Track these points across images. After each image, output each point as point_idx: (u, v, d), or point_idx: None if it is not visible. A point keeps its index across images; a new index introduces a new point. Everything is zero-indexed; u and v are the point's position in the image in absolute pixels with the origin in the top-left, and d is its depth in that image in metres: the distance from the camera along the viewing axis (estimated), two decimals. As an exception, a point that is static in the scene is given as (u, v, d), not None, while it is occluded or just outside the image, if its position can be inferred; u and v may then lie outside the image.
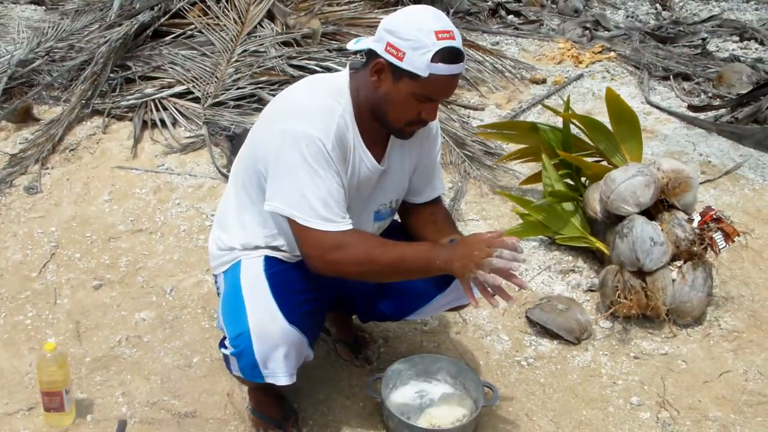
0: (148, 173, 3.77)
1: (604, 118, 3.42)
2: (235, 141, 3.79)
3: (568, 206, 3.32)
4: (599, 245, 3.13)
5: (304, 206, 1.98)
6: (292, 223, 2.02)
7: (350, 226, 2.04)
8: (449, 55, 1.95)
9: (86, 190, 3.64)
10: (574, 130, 3.50)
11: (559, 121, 3.62)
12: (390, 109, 2.05)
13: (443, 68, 1.95)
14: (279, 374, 2.11)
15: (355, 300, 2.44)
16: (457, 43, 1.97)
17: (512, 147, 3.86)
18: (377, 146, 2.17)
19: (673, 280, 2.91)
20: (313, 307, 2.18)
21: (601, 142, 3.34)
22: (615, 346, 2.86)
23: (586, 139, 3.49)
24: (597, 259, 3.26)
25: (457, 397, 2.51)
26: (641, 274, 2.89)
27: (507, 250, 1.97)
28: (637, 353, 2.82)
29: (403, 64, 1.95)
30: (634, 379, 2.71)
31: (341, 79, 2.13)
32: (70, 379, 2.43)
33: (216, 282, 2.34)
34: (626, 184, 2.98)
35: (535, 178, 3.63)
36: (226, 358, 2.18)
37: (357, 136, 2.11)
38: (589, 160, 3.40)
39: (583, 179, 3.40)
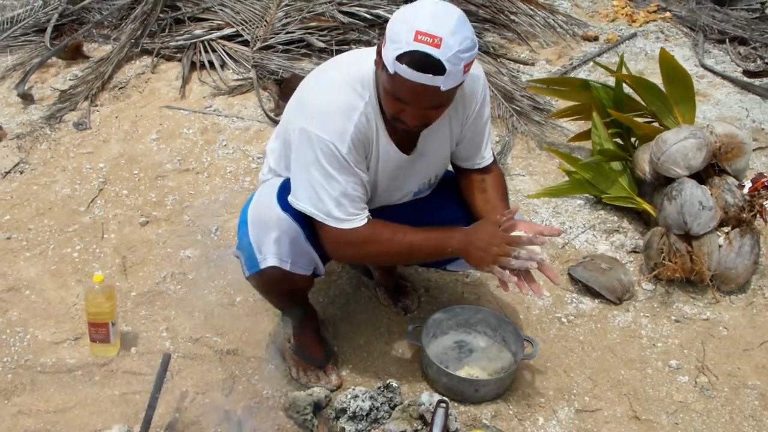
0: (196, 114, 3.79)
1: (656, 79, 3.34)
2: (283, 85, 3.79)
3: (617, 166, 3.27)
4: (646, 206, 3.10)
5: (319, 205, 2.06)
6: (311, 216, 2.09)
7: (363, 222, 2.08)
8: (416, 61, 1.83)
9: (134, 128, 3.67)
10: (626, 89, 3.43)
11: (610, 80, 3.56)
12: (380, 94, 2.02)
13: (406, 71, 1.84)
14: (269, 256, 2.13)
15: None
16: (439, 53, 1.81)
17: (561, 103, 3.80)
18: (407, 133, 2.13)
19: (720, 246, 2.87)
20: None
21: (654, 103, 3.28)
22: (656, 308, 2.84)
23: (639, 99, 3.42)
24: (642, 220, 3.22)
25: (496, 349, 2.52)
26: (687, 237, 2.86)
27: (525, 248, 2.03)
28: (678, 317, 2.80)
29: (382, 53, 1.91)
30: (674, 342, 2.70)
31: (368, 66, 2.06)
32: (117, 311, 2.48)
33: None
34: (678, 146, 2.93)
35: (584, 135, 3.58)
36: (241, 264, 2.23)
37: (381, 128, 2.09)
38: (640, 120, 3.34)
39: (632, 140, 3.35)
